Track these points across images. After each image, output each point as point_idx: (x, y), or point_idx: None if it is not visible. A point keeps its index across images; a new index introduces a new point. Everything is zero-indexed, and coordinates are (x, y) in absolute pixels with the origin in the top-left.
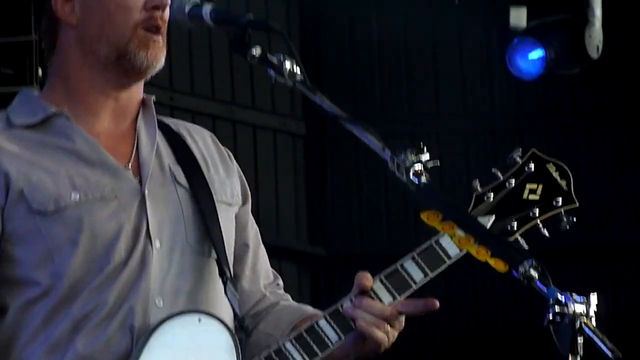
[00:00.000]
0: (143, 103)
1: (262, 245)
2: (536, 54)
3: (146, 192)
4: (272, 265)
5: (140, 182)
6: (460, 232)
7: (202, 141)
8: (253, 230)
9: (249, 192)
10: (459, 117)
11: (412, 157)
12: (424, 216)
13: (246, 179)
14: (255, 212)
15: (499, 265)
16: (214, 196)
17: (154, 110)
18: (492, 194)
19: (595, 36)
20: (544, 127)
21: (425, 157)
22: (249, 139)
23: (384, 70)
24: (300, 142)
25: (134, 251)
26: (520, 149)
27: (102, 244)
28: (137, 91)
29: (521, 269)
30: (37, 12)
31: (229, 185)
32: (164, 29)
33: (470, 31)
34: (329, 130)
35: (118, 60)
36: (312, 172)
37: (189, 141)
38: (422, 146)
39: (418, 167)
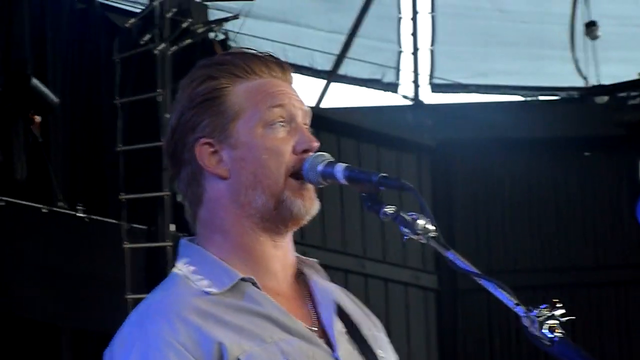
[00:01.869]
0: (301, 262)
1: None
2: None
3: (340, 358)
4: None
5: (330, 346)
6: None
7: (344, 298)
8: None
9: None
10: (587, 269)
11: (546, 312)
12: None
13: None
14: None
15: None
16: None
17: (323, 270)
18: None
19: None
20: None
21: (559, 311)
22: (380, 293)
23: (515, 222)
24: (432, 296)
25: None
26: None
27: None
28: (291, 241)
29: None
30: (173, 167)
31: (385, 341)
32: None
33: (601, 183)
34: (461, 283)
35: (276, 208)
36: (443, 325)
37: (341, 302)
38: (556, 301)
39: (552, 322)
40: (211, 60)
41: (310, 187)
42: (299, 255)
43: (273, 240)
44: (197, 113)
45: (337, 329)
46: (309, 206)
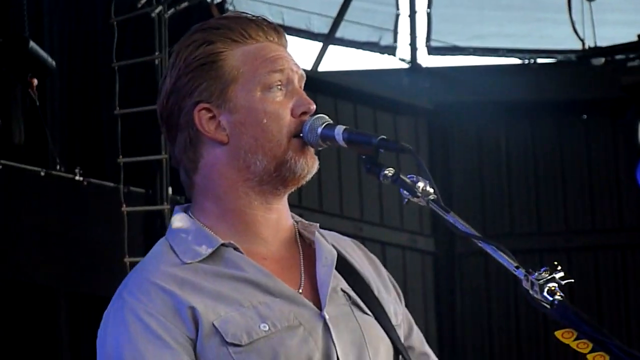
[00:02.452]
0: (303, 225)
1: (426, 345)
2: None
3: (326, 316)
4: None
5: (318, 306)
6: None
7: (355, 254)
8: (418, 335)
9: (401, 294)
10: (588, 233)
11: (546, 275)
12: (558, 334)
13: None
14: None
15: None
16: (391, 319)
17: (319, 231)
18: None
19: None
20: None
21: (559, 274)
22: (378, 256)
23: (512, 186)
24: (429, 259)
25: None
26: None
27: None
28: (286, 204)
29: None
30: (168, 132)
31: (392, 302)
32: None
33: (598, 146)
34: (458, 246)
35: (277, 170)
36: (441, 289)
37: (346, 255)
38: (555, 264)
39: (552, 285)
40: (207, 25)
41: (311, 147)
42: (301, 219)
43: (268, 204)
44: (193, 77)
45: (333, 288)
46: (311, 164)
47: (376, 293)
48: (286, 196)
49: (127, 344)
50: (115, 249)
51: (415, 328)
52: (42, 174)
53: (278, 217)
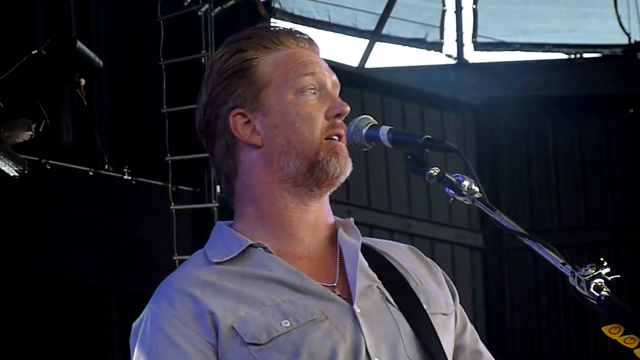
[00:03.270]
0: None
1: (481, 344)
2: None
3: (357, 310)
4: None
5: (349, 301)
6: None
7: (404, 256)
8: (472, 334)
9: (457, 294)
10: (635, 227)
11: (592, 271)
12: (605, 330)
13: None
14: None
15: None
16: (426, 310)
17: (356, 228)
18: None
19: None
20: None
21: (606, 270)
22: (426, 252)
23: (559, 181)
24: (478, 255)
25: None
26: None
27: None
28: (325, 204)
29: None
30: (207, 142)
31: (442, 295)
32: (345, 137)
33: None
34: (506, 242)
35: (310, 171)
36: (490, 285)
37: (390, 258)
38: (602, 260)
39: (598, 280)
40: (239, 36)
41: (344, 146)
42: (337, 217)
43: (304, 205)
44: (228, 85)
45: (362, 283)
46: (344, 164)
47: (413, 286)
48: (325, 197)
49: (147, 356)
50: (164, 247)
51: (470, 326)
52: (91, 173)
53: (316, 217)
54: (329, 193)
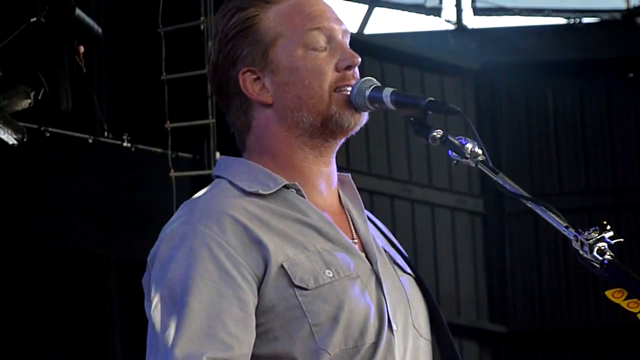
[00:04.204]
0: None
1: None
2: None
3: (379, 271)
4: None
5: (369, 261)
6: None
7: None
8: None
9: None
10: (636, 190)
11: (596, 235)
12: (608, 294)
13: (425, 257)
14: (435, 290)
15: None
16: (411, 273)
17: (354, 187)
18: None
19: None
20: None
21: (609, 234)
22: (427, 218)
23: (559, 145)
24: (479, 220)
25: (381, 333)
26: None
27: (357, 323)
28: (334, 162)
29: None
30: (222, 102)
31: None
32: None
33: None
34: (507, 206)
35: (324, 125)
36: (491, 249)
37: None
38: (605, 224)
39: (602, 244)
40: None
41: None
42: (347, 176)
43: (322, 156)
44: (234, 46)
45: (377, 246)
46: (358, 117)
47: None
48: (336, 150)
49: (194, 276)
50: (163, 214)
51: None
52: (90, 140)
53: (330, 170)
54: (342, 141)
